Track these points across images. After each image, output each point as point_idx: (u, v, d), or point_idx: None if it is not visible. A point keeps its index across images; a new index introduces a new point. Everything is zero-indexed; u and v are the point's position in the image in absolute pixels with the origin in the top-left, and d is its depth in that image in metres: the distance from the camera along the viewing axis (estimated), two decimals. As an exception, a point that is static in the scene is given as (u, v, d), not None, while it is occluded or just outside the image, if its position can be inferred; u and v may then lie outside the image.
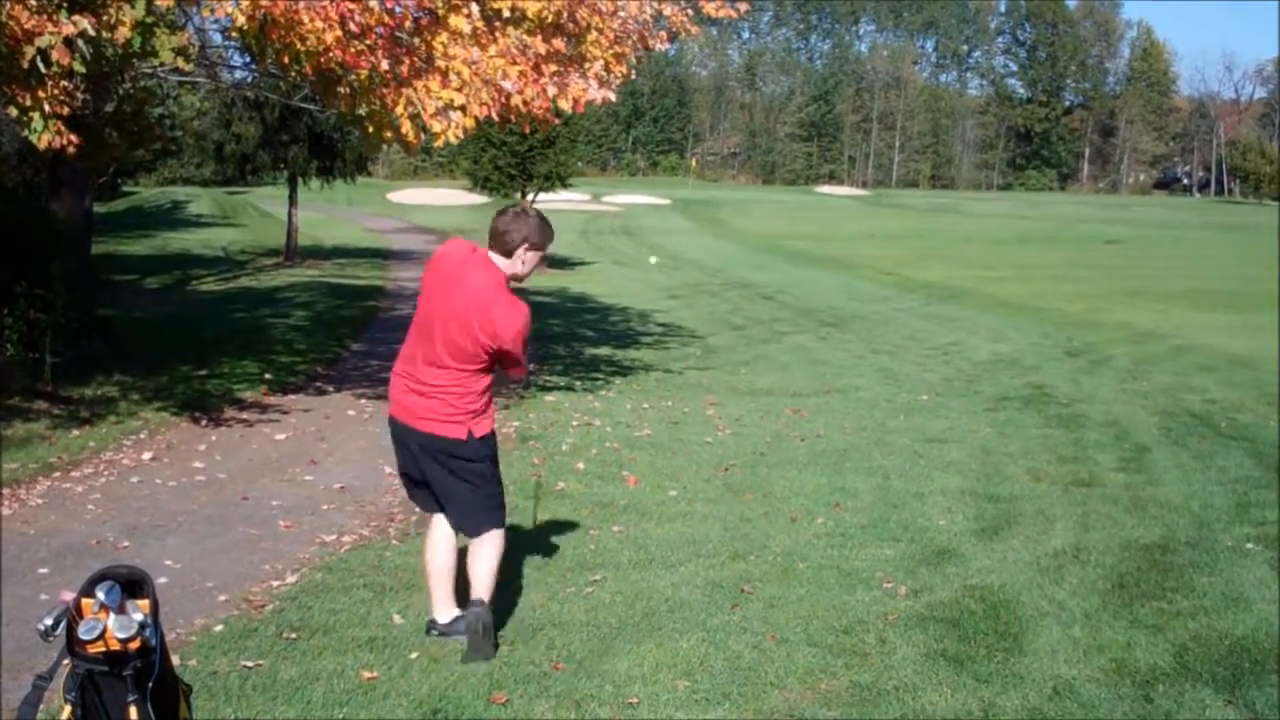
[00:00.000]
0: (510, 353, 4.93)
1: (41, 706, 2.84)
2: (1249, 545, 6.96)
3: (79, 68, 7.93)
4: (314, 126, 30.32)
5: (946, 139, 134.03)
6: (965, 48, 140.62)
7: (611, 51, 9.52)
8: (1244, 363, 15.68)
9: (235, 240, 39.40)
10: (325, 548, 6.81)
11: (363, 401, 11.85)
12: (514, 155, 34.44)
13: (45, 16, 7.60)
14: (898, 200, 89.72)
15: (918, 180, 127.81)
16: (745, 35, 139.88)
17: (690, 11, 10.26)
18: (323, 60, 8.26)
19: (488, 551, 5.15)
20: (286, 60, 8.41)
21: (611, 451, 9.50)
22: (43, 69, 7.74)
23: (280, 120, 30.49)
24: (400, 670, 4.86)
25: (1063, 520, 7.51)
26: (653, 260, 32.94)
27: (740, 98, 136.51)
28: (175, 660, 3.43)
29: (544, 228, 5.06)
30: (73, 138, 8.20)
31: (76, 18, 7.68)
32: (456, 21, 8.66)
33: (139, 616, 2.85)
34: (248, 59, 12.95)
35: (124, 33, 7.94)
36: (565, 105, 9.24)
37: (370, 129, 9.45)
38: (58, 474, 8.36)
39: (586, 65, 9.45)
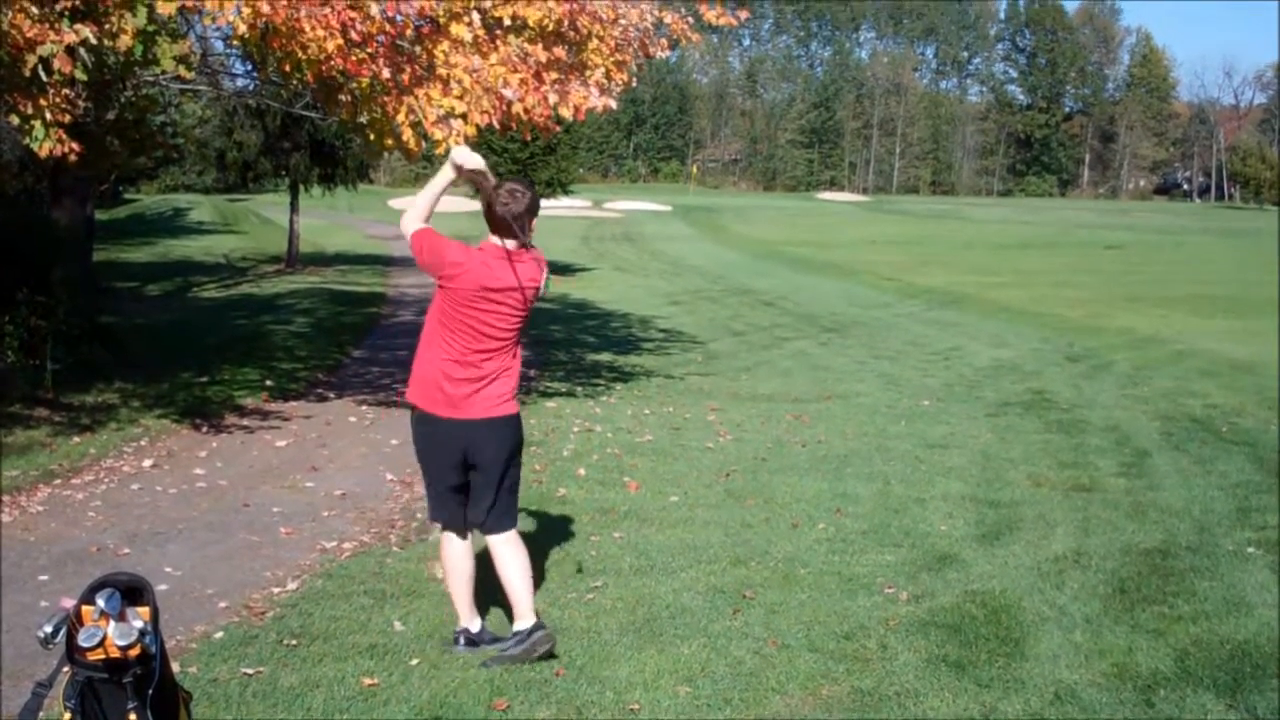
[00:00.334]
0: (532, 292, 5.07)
1: (42, 713, 2.84)
2: (1250, 549, 6.96)
3: (81, 76, 7.95)
4: (315, 134, 30.30)
5: (947, 145, 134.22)
6: (965, 54, 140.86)
7: (612, 59, 9.54)
8: (1245, 367, 15.67)
9: (237, 247, 39.46)
10: (326, 554, 6.81)
11: (364, 408, 11.86)
12: (515, 162, 34.46)
13: (47, 25, 7.63)
14: (898, 206, 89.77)
15: (918, 186, 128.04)
16: (746, 42, 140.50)
17: (691, 19, 10.27)
18: (324, 68, 8.28)
19: (523, 557, 5.20)
20: (288, 68, 8.43)
21: (612, 457, 9.50)
22: (44, 77, 7.77)
23: (282, 128, 30.54)
24: (401, 677, 4.86)
25: (1063, 525, 7.51)
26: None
27: (741, 104, 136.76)
28: (175, 667, 3.43)
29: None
30: (74, 146, 8.21)
31: (78, 26, 7.70)
32: (458, 29, 8.68)
33: (139, 624, 2.86)
34: (249, 67, 12.98)
35: (126, 41, 7.96)
36: (566, 113, 9.25)
37: (371, 137, 9.47)
38: (58, 481, 8.37)
39: (587, 73, 9.47)
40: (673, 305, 25.63)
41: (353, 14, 8.07)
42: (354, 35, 8.10)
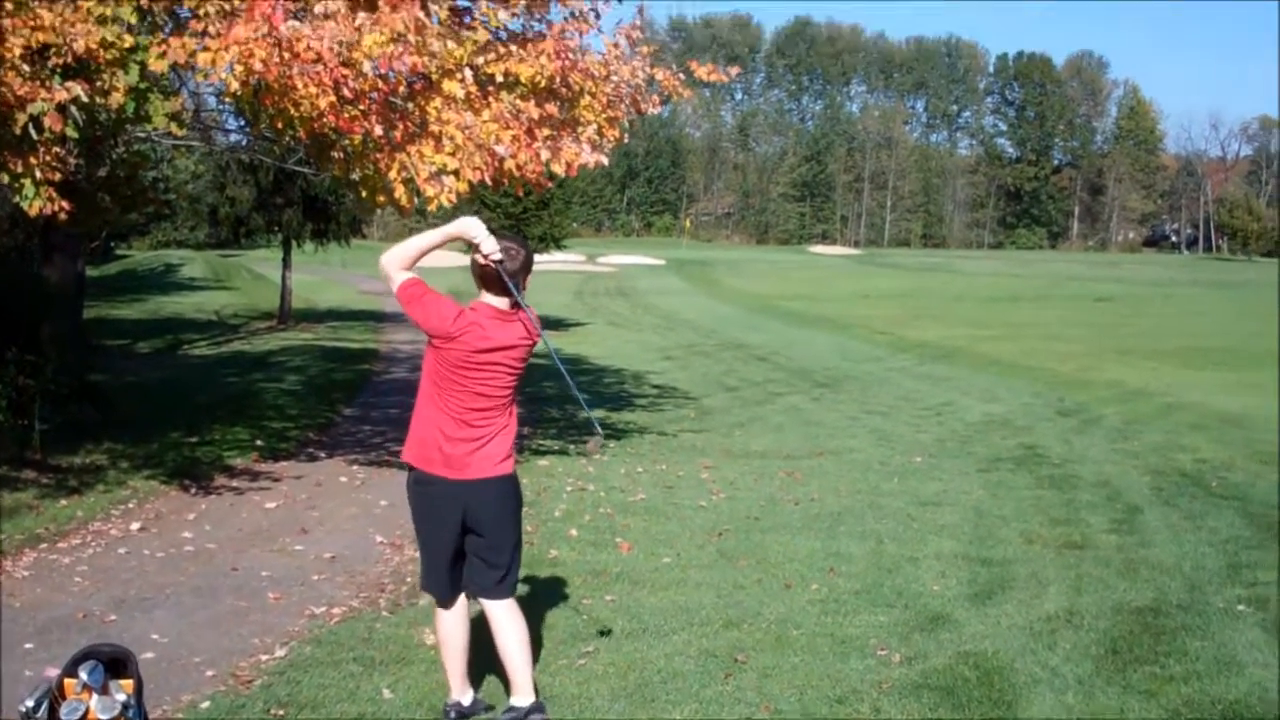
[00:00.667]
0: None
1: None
2: (1240, 607, 6.94)
3: (72, 133, 7.95)
4: (308, 189, 30.40)
5: (938, 198, 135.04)
6: (955, 108, 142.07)
7: (604, 115, 9.57)
8: (1234, 421, 15.69)
9: (228, 304, 39.45)
10: (315, 620, 6.75)
11: (355, 468, 11.81)
12: (508, 217, 34.58)
13: (38, 83, 7.62)
14: (890, 259, 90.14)
15: (909, 239, 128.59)
16: (738, 96, 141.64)
17: (682, 75, 10.32)
18: (317, 125, 8.29)
19: (523, 626, 5.09)
20: (280, 125, 8.43)
21: (605, 517, 9.46)
22: (35, 135, 7.76)
23: (274, 183, 30.64)
24: (389, 745, 4.80)
25: (1055, 584, 7.48)
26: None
27: (733, 158, 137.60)
28: (159, 741, 3.39)
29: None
30: (64, 204, 8.19)
31: (70, 84, 7.69)
32: (450, 86, 8.70)
33: (121, 697, 2.83)
34: (242, 122, 13.00)
35: (117, 98, 7.96)
36: (558, 169, 9.28)
37: (364, 193, 9.50)
38: (45, 545, 8.31)
39: (580, 129, 9.50)
40: (666, 360, 25.64)
41: (345, 71, 8.08)
42: (346, 92, 8.11)
